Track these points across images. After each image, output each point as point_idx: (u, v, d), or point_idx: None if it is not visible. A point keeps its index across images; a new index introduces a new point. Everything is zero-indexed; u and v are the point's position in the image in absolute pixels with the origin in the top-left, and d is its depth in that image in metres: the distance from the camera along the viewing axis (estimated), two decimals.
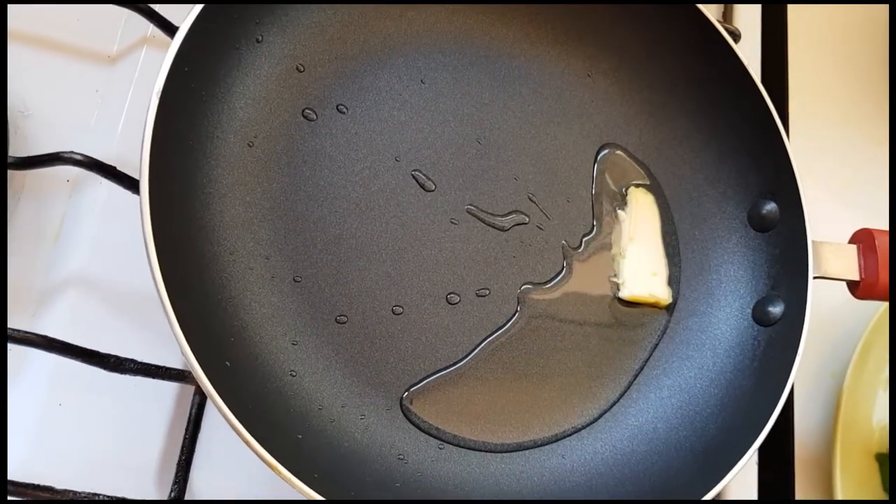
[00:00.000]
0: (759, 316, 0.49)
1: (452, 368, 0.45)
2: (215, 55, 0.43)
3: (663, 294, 0.50)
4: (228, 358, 0.40)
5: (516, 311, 0.48)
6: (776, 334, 0.48)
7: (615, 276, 0.50)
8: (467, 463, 0.44)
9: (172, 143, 0.40)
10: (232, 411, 0.35)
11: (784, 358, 0.46)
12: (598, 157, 0.53)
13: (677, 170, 0.53)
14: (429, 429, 0.44)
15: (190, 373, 0.36)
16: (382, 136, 0.48)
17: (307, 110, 0.47)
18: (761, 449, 0.42)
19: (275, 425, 0.39)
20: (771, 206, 0.50)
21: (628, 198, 0.52)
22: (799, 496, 0.54)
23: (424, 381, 0.45)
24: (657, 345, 0.50)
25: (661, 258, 0.51)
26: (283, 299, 0.43)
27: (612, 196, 0.52)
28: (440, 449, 0.44)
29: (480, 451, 0.44)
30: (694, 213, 0.53)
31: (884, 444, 0.56)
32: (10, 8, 0.50)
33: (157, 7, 0.48)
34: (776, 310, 0.48)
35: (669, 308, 0.51)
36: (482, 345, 0.46)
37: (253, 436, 0.35)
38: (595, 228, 0.51)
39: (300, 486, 0.36)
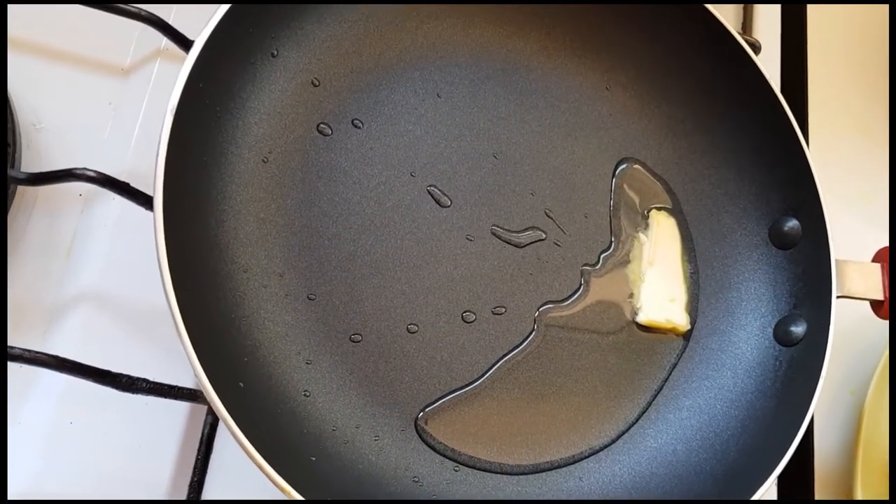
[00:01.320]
0: (781, 335, 0.48)
1: (468, 388, 0.45)
2: (230, 70, 0.43)
3: (681, 321, 0.49)
4: (241, 378, 0.39)
5: (533, 329, 0.47)
6: (798, 354, 0.47)
7: (632, 296, 0.49)
8: (483, 485, 0.43)
9: (186, 160, 0.39)
10: (244, 433, 0.35)
11: (806, 379, 0.45)
12: (617, 172, 0.52)
13: (696, 185, 0.53)
14: (444, 450, 0.43)
15: (202, 392, 0.35)
16: (398, 150, 0.47)
17: (322, 125, 0.46)
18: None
19: (288, 447, 0.39)
20: (793, 224, 0.49)
21: (650, 221, 0.51)
22: None
23: (439, 402, 0.44)
24: (676, 364, 0.49)
25: (680, 284, 0.50)
26: (297, 317, 0.43)
27: (632, 215, 0.51)
28: (455, 471, 0.43)
29: (496, 472, 0.44)
30: (714, 229, 0.52)
31: None
32: (22, 19, 0.49)
33: (170, 20, 0.48)
34: (798, 329, 0.47)
35: (686, 335, 0.50)
36: (498, 364, 0.46)
37: (266, 459, 0.35)
38: (613, 244, 0.50)
39: None
